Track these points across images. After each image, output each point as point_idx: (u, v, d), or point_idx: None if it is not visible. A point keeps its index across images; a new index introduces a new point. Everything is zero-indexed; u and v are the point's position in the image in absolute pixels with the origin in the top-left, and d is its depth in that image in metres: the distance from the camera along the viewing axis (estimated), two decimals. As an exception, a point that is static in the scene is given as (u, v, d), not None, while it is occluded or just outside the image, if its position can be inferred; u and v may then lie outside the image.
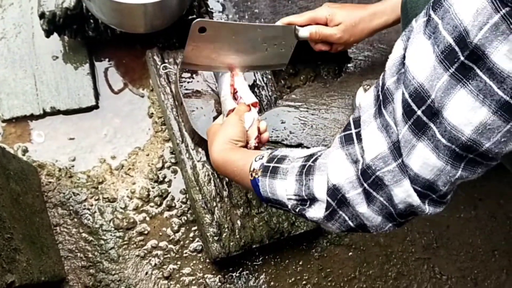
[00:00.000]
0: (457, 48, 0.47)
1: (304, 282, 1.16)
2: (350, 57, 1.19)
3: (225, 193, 1.08)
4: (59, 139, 1.19)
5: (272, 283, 1.15)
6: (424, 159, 0.53)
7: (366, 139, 0.58)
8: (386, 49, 1.19)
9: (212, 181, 1.08)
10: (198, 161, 1.09)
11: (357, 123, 0.61)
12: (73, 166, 1.17)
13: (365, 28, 1.00)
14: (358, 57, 1.19)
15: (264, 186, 0.72)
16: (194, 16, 1.17)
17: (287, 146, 1.10)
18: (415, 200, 0.57)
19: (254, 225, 1.08)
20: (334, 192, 0.62)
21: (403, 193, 0.56)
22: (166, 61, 1.16)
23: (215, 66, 1.00)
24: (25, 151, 1.17)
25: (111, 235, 1.12)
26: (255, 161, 0.76)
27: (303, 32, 0.99)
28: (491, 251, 1.25)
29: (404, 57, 0.54)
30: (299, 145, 1.10)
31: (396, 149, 0.55)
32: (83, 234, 1.12)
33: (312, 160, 0.67)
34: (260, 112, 1.14)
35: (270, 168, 0.72)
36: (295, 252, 1.17)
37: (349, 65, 1.19)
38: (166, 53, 1.17)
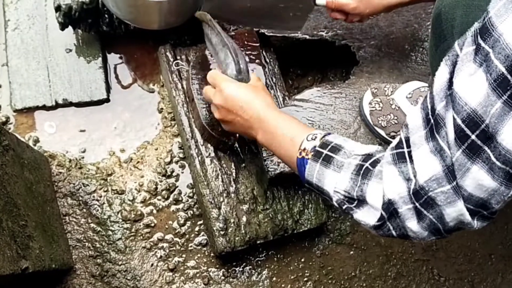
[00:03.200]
0: (509, 77, 0.49)
1: (305, 279, 1.19)
2: (358, 60, 1.21)
3: (231, 189, 1.10)
4: (70, 130, 1.21)
5: (274, 278, 1.18)
6: (479, 181, 0.56)
7: (419, 161, 0.60)
8: (394, 53, 1.21)
9: (219, 177, 1.10)
10: (207, 156, 1.11)
11: (408, 143, 0.63)
12: (83, 157, 1.20)
13: (381, 2, 1.00)
14: (365, 61, 1.21)
15: (312, 170, 0.73)
16: (207, 14, 1.19)
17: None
18: (467, 218, 0.59)
19: (259, 221, 1.10)
20: (388, 206, 0.64)
21: (456, 212, 0.59)
22: (178, 57, 1.18)
23: (232, 19, 1.01)
24: (36, 141, 1.19)
25: (118, 226, 1.15)
26: (307, 140, 0.76)
27: (321, 0, 1.01)
28: (488, 255, 1.28)
29: (450, 82, 0.56)
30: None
31: (450, 172, 0.58)
32: (92, 225, 1.14)
33: (370, 162, 0.69)
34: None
35: (324, 155, 0.73)
36: (298, 249, 1.20)
37: (356, 68, 1.21)
38: (178, 49, 1.19)
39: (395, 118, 1.09)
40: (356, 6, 1.00)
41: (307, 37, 1.22)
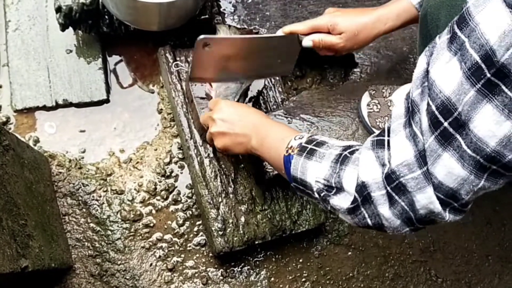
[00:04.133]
0: (483, 66, 0.50)
1: (303, 279, 1.19)
2: (357, 62, 1.22)
3: (230, 190, 1.11)
4: (70, 131, 1.22)
5: (272, 279, 1.18)
6: (449, 168, 0.57)
7: (394, 146, 0.62)
8: (392, 55, 1.22)
9: (218, 177, 1.11)
10: (206, 157, 1.12)
11: (389, 131, 0.64)
12: (83, 157, 1.20)
13: (368, 35, 0.99)
14: (364, 63, 1.22)
15: (297, 164, 0.75)
16: (207, 16, 1.20)
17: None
18: (437, 207, 0.60)
19: (257, 221, 1.11)
20: (362, 189, 0.65)
21: (426, 199, 0.60)
22: (177, 59, 1.19)
23: (222, 78, 1.04)
24: (36, 141, 1.20)
25: (118, 226, 1.15)
26: (294, 139, 0.79)
27: (307, 42, 1.00)
28: (485, 256, 1.28)
29: (427, 71, 0.57)
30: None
31: (421, 158, 0.59)
32: (91, 224, 1.15)
33: (349, 151, 0.71)
34: (267, 112, 1.17)
35: (308, 149, 0.75)
36: (296, 250, 1.20)
37: (355, 70, 1.22)
38: (177, 51, 1.20)
39: (393, 119, 1.09)
40: (344, 45, 0.98)
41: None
